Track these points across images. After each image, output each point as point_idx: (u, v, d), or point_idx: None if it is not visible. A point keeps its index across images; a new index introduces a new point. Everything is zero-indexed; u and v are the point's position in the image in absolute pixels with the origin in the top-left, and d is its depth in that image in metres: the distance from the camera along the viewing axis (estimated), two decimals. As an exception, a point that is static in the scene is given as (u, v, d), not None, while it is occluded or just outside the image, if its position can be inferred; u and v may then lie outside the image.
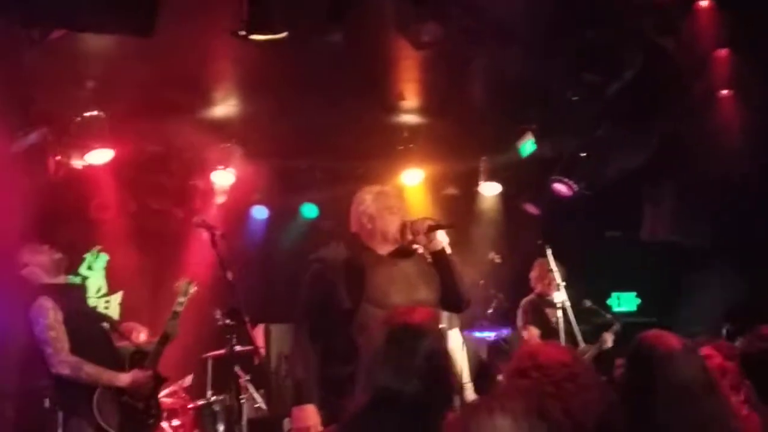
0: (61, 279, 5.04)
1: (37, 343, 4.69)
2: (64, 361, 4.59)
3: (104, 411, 4.60)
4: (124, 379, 4.75)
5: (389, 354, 2.45)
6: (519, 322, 6.96)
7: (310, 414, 3.81)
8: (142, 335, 6.29)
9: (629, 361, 2.91)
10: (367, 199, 4.12)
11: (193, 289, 5.24)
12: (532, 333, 6.34)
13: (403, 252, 4.09)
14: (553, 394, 2.24)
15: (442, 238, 4.06)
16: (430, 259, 4.11)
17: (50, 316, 4.63)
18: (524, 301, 7.03)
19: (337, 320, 3.90)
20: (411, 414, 2.35)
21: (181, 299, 5.18)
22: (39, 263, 4.89)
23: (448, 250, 4.08)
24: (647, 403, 2.67)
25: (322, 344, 3.97)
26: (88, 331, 4.82)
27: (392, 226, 4.03)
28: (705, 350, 3.25)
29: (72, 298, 4.95)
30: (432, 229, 3.99)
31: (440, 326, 2.87)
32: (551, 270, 6.10)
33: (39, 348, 4.69)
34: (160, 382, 5.07)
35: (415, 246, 4.15)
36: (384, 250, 4.06)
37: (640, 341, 2.89)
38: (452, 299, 4.11)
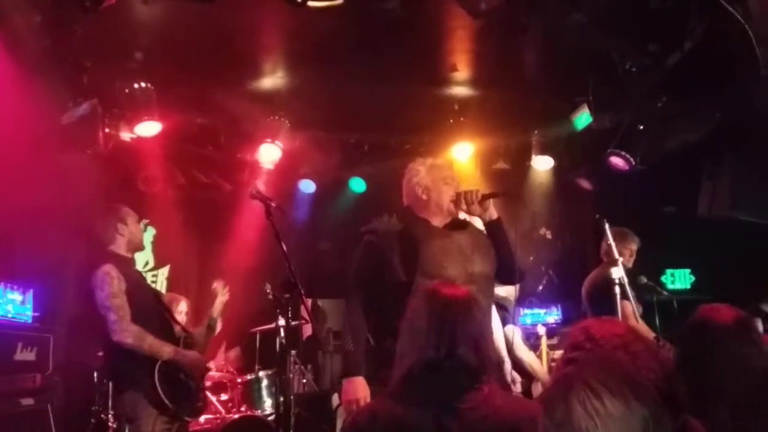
0: (129, 254, 4.98)
1: (98, 309, 4.55)
2: (127, 330, 4.49)
3: (164, 385, 4.53)
4: (187, 354, 4.73)
5: (432, 325, 2.56)
6: (611, 296, 6.50)
7: (360, 386, 3.80)
8: (182, 304, 6.32)
9: (686, 332, 2.94)
10: (421, 170, 4.13)
11: (226, 296, 5.23)
12: (629, 307, 6.03)
13: (458, 224, 4.09)
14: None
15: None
16: (484, 231, 4.11)
17: (115, 284, 4.56)
18: (610, 274, 6.55)
19: (390, 293, 3.84)
20: (451, 382, 2.49)
21: (219, 302, 5.22)
22: (131, 233, 4.88)
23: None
24: (703, 373, 2.68)
25: (374, 317, 3.94)
26: (147, 304, 4.75)
27: (447, 196, 4.04)
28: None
29: (131, 270, 4.91)
30: (485, 198, 4.01)
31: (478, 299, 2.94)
32: (610, 245, 5.88)
33: (100, 315, 4.54)
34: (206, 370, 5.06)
35: (469, 217, 4.16)
36: (438, 221, 4.06)
37: (696, 315, 2.91)
38: (507, 270, 4.09)
